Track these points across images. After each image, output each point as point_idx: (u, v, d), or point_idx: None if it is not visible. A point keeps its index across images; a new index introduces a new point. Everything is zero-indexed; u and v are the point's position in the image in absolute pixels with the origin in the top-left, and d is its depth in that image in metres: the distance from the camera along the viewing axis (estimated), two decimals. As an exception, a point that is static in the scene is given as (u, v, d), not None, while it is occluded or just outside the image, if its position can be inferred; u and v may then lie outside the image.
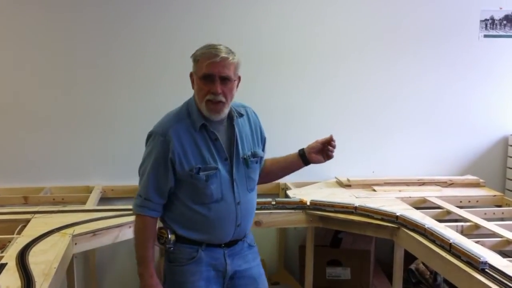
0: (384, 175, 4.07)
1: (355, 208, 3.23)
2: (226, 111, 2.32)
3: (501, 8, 4.20)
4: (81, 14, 3.80)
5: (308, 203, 3.33)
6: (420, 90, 4.20)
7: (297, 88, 4.02)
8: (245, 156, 2.39)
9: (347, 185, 3.88)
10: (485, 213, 3.50)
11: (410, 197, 3.67)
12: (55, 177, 3.88)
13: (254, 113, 2.54)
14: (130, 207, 3.30)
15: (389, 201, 3.49)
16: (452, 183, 4.03)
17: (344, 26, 4.08)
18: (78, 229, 2.85)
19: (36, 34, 3.78)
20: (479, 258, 2.33)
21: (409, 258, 3.40)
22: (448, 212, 3.41)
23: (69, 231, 2.81)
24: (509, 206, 3.70)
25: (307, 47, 4.04)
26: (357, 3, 4.07)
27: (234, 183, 2.36)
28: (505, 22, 4.21)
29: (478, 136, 4.31)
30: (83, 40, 3.83)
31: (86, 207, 3.39)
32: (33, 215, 3.10)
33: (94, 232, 2.88)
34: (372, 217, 3.15)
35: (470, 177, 4.12)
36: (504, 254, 2.94)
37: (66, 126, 3.88)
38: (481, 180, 4.06)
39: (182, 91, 3.87)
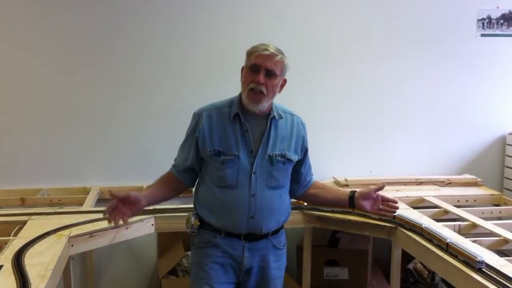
0: (382, 174, 4.06)
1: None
2: (265, 104, 2.44)
3: (498, 7, 4.19)
4: (79, 14, 3.79)
5: (306, 203, 3.32)
6: (418, 89, 4.19)
7: (294, 87, 3.99)
8: (272, 154, 2.47)
9: (344, 185, 3.87)
10: (483, 212, 3.49)
11: (407, 196, 3.66)
12: (52, 178, 3.88)
13: (302, 124, 2.64)
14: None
15: (387, 201, 3.48)
16: (450, 183, 4.02)
17: (341, 25, 4.08)
18: (75, 231, 2.84)
19: (34, 35, 3.78)
20: (476, 258, 2.33)
21: (407, 257, 3.41)
22: (446, 212, 3.41)
23: (66, 232, 2.80)
24: (506, 205, 3.69)
25: (303, 45, 4.04)
26: (354, 2, 4.07)
27: (253, 175, 2.44)
28: (502, 21, 4.21)
29: (476, 135, 4.30)
30: (81, 42, 3.82)
31: (83, 208, 3.38)
32: (29, 216, 3.09)
33: (90, 234, 2.87)
34: (370, 217, 3.13)
35: (467, 176, 4.11)
36: (502, 253, 2.94)
37: (63, 127, 3.87)
38: (478, 179, 4.05)
39: (180, 93, 3.93)
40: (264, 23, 3.97)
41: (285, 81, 2.53)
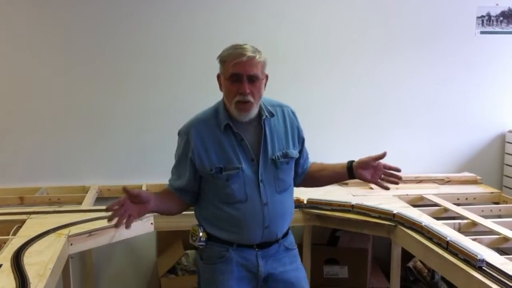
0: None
1: (352, 206, 3.22)
2: (255, 110, 2.31)
3: (497, 5, 4.18)
4: (78, 14, 3.79)
5: (305, 202, 3.32)
6: (417, 87, 4.18)
7: (292, 86, 4.01)
8: (274, 157, 2.36)
9: (344, 183, 3.86)
10: (483, 210, 3.48)
11: (407, 194, 3.66)
12: (51, 177, 3.87)
13: (293, 113, 2.51)
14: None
15: (386, 199, 3.48)
16: (449, 181, 4.03)
17: (339, 22, 4.07)
18: (74, 230, 2.83)
19: (32, 35, 3.77)
20: (476, 256, 2.32)
21: (406, 256, 3.40)
22: (446, 210, 3.41)
23: (65, 231, 2.80)
24: (506, 203, 3.69)
25: (302, 44, 4.03)
26: (353, 1, 4.06)
27: (261, 184, 2.33)
28: (501, 18, 4.20)
29: (475, 133, 4.29)
30: (80, 41, 3.81)
31: (82, 207, 3.37)
32: (28, 215, 3.09)
33: (90, 233, 2.86)
34: (369, 215, 3.14)
35: (467, 174, 4.11)
36: (502, 252, 2.93)
37: (62, 126, 3.87)
38: (478, 177, 4.05)
39: (178, 92, 3.93)
40: (263, 21, 3.96)
41: (267, 77, 2.35)
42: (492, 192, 3.84)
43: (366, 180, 2.50)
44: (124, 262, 4.02)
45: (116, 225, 2.22)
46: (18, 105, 3.81)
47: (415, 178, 3.99)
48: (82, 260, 3.84)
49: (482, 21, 4.19)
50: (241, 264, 2.37)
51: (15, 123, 3.82)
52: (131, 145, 3.96)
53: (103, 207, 3.18)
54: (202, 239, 2.39)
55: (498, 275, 2.24)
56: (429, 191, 3.76)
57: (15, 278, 2.16)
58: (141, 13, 3.84)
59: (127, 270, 4.03)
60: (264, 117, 2.36)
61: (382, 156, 2.44)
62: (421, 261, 3.73)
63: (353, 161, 2.52)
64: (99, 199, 3.74)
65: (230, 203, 2.33)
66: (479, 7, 4.17)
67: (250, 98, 2.26)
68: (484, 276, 2.24)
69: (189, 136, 2.35)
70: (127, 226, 2.22)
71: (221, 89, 2.36)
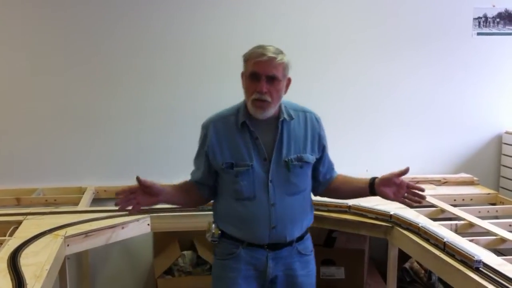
0: (378, 173, 4.04)
1: (349, 207, 3.22)
2: (272, 110, 2.33)
3: (494, 6, 4.20)
4: (74, 13, 3.78)
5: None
6: (413, 88, 4.19)
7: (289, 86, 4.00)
8: (287, 159, 2.36)
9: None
10: (479, 211, 3.49)
11: (404, 195, 3.65)
12: (47, 178, 3.86)
13: (317, 119, 2.51)
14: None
15: (383, 200, 3.44)
16: (446, 181, 4.03)
17: (337, 22, 4.07)
18: (71, 230, 2.83)
19: (28, 33, 3.76)
20: (473, 257, 2.32)
21: (403, 256, 3.40)
22: (442, 211, 3.41)
23: (61, 232, 2.79)
24: (503, 204, 3.70)
25: (299, 43, 4.02)
26: (351, 0, 4.06)
27: (270, 184, 2.34)
28: (498, 19, 4.21)
29: (472, 134, 4.30)
30: (75, 41, 3.80)
31: (78, 208, 3.37)
32: (25, 216, 3.08)
33: (86, 233, 2.87)
34: (366, 216, 3.14)
35: (464, 175, 4.12)
36: (499, 252, 2.94)
37: (59, 127, 3.85)
38: (475, 178, 4.06)
39: (175, 91, 3.92)
40: (260, 20, 3.96)
41: (289, 80, 2.40)
42: (488, 193, 3.84)
43: (389, 199, 2.45)
44: (120, 263, 4.01)
45: (120, 209, 2.29)
46: (15, 106, 3.80)
47: (412, 179, 3.97)
48: (78, 261, 3.84)
49: (479, 22, 4.20)
50: (250, 263, 2.39)
51: (11, 124, 3.81)
52: (128, 145, 3.95)
53: (100, 208, 3.22)
54: (215, 235, 2.44)
55: (495, 276, 2.24)
56: (426, 192, 3.71)
57: (11, 279, 2.16)
58: (138, 13, 3.84)
59: (123, 271, 4.02)
60: (281, 118, 2.37)
61: (405, 171, 2.41)
62: (417, 262, 3.73)
63: (376, 177, 2.48)
64: (96, 200, 3.74)
65: (238, 200, 2.36)
66: (475, 9, 4.18)
67: (267, 98, 2.28)
68: (481, 277, 2.24)
69: (207, 131, 2.41)
70: (131, 213, 2.33)
71: (243, 86, 2.38)
